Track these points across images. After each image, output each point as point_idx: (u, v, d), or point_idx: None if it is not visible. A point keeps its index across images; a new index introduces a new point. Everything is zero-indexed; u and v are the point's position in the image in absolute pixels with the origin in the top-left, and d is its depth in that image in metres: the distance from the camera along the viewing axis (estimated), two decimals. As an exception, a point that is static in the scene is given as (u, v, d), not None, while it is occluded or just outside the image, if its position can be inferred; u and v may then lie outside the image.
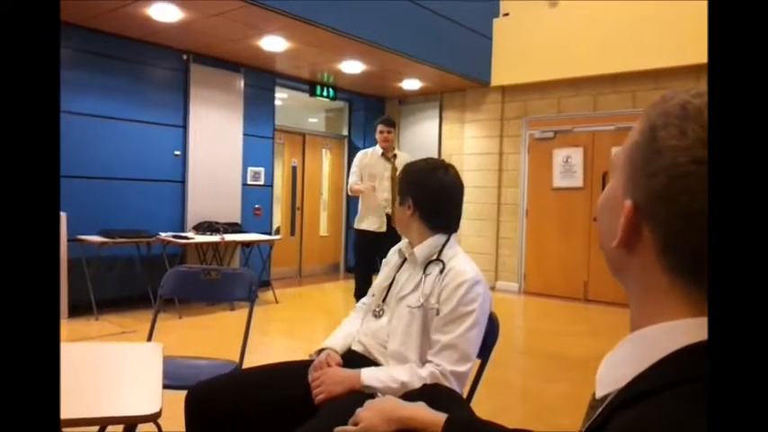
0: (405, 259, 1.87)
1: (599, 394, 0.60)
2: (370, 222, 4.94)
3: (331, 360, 1.73)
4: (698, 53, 5.69)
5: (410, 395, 1.48)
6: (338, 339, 1.86)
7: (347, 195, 7.41)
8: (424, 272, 1.75)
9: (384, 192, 4.92)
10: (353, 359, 1.76)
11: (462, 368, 1.61)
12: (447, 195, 1.80)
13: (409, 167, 1.87)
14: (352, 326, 1.93)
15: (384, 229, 4.85)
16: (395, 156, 5.06)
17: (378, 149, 5.06)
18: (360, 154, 5.19)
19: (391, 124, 5.11)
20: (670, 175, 0.54)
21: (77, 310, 5.19)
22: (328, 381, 1.63)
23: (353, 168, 5.09)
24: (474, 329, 1.63)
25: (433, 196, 1.79)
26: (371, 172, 4.96)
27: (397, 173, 4.30)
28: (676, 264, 0.56)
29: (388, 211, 4.80)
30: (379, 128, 5.07)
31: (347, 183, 5.32)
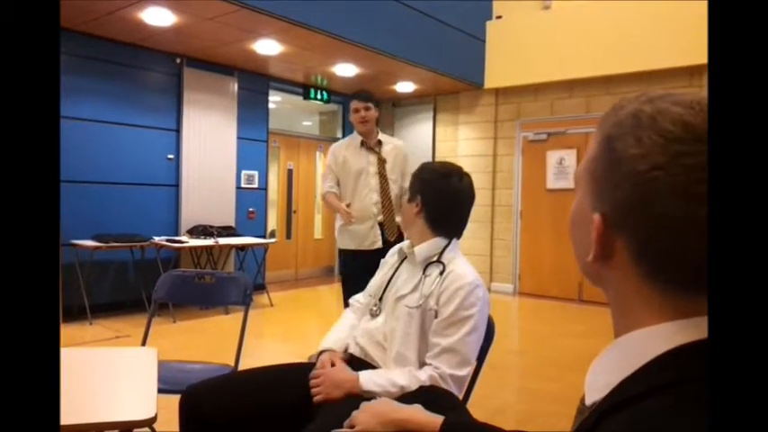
0: (403, 259, 1.88)
1: (588, 401, 0.60)
2: (357, 238, 3.56)
3: (335, 358, 1.73)
4: (690, 54, 5.74)
5: (407, 397, 1.48)
6: (335, 339, 1.86)
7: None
8: (423, 273, 1.75)
9: (372, 193, 3.56)
10: (351, 362, 1.76)
11: (461, 372, 1.61)
12: (456, 201, 1.81)
13: (426, 166, 1.89)
14: (347, 324, 1.94)
15: (379, 244, 3.52)
16: (380, 143, 3.65)
17: (356, 138, 3.65)
18: (334, 147, 3.76)
19: (368, 99, 3.61)
20: (633, 184, 0.55)
21: (71, 314, 5.16)
22: (327, 382, 1.63)
23: (327, 169, 3.75)
24: (473, 334, 1.64)
25: (441, 200, 1.79)
26: (351, 169, 3.59)
27: (387, 165, 3.57)
28: (653, 270, 0.56)
29: (381, 218, 3.56)
30: (353, 105, 3.61)
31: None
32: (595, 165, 0.60)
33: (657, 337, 0.55)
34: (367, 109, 3.56)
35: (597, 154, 0.60)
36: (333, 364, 1.72)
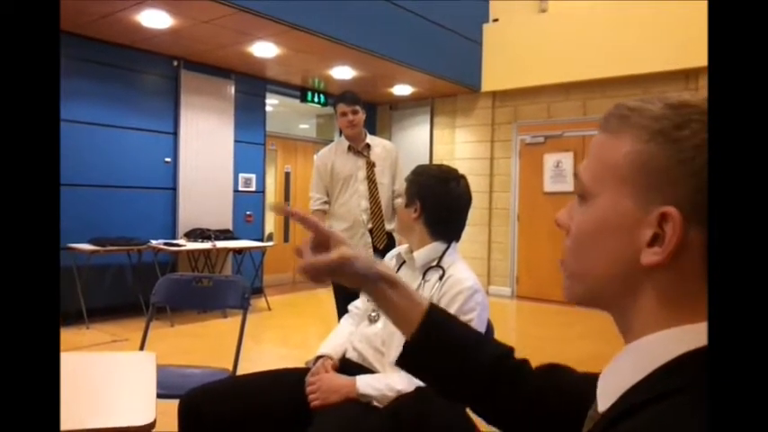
0: (402, 264, 1.87)
1: (601, 408, 0.59)
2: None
3: (328, 366, 1.73)
4: (686, 58, 5.76)
5: (405, 399, 1.48)
6: (333, 345, 1.86)
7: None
8: (423, 277, 1.75)
9: (361, 199, 3.40)
10: (348, 367, 1.76)
11: None
12: (455, 206, 1.81)
13: (422, 170, 1.87)
14: (346, 330, 1.93)
15: (370, 252, 3.29)
16: (368, 146, 3.50)
17: (343, 142, 3.50)
18: (321, 154, 3.58)
19: (355, 101, 3.44)
20: None
21: (68, 319, 5.13)
22: (324, 387, 1.63)
23: (315, 177, 3.52)
24: None
25: (441, 205, 1.78)
26: (340, 175, 3.43)
27: (376, 168, 3.42)
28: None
29: (371, 225, 3.40)
30: (339, 108, 3.44)
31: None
32: (646, 159, 0.57)
33: (671, 342, 0.55)
34: (354, 112, 3.41)
35: (650, 150, 0.56)
36: (326, 371, 1.71)
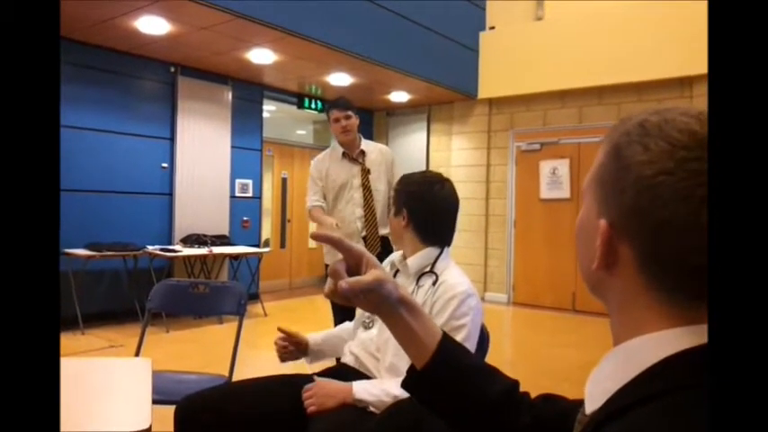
0: (396, 271, 1.88)
1: (588, 410, 0.61)
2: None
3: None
4: (681, 66, 5.80)
5: (401, 404, 1.48)
6: (324, 335, 1.96)
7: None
8: (416, 283, 1.75)
9: (356, 207, 3.36)
10: (345, 372, 1.76)
11: None
12: (442, 210, 1.81)
13: (406, 179, 1.88)
14: (341, 327, 1.99)
15: None
16: (362, 153, 3.43)
17: (337, 149, 3.42)
18: (316, 161, 3.51)
19: (347, 107, 3.37)
20: (638, 189, 0.56)
21: (63, 324, 5.11)
22: (321, 393, 1.63)
23: (311, 182, 3.47)
24: (466, 343, 1.63)
25: (428, 210, 1.79)
26: (334, 183, 3.38)
27: (371, 175, 3.38)
28: (655, 277, 0.57)
29: (364, 233, 3.36)
30: (333, 114, 3.37)
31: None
32: (602, 172, 0.61)
33: (654, 346, 0.56)
34: (347, 117, 3.32)
35: (604, 162, 0.61)
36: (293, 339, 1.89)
